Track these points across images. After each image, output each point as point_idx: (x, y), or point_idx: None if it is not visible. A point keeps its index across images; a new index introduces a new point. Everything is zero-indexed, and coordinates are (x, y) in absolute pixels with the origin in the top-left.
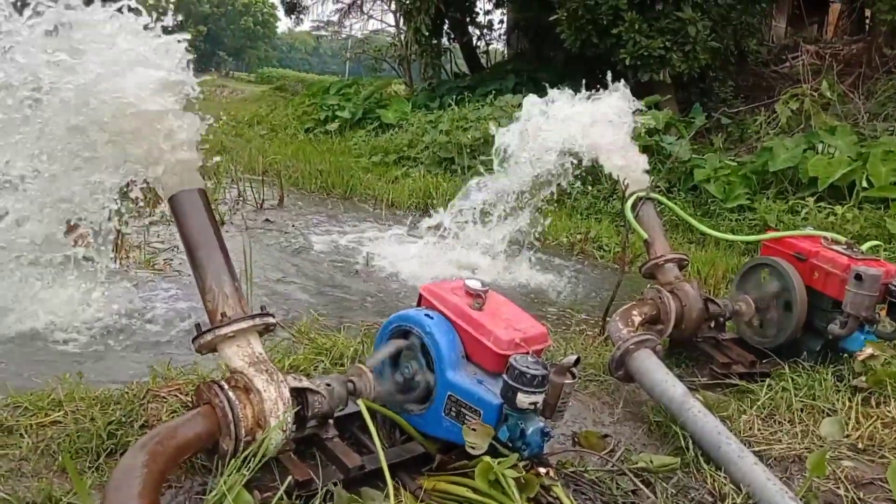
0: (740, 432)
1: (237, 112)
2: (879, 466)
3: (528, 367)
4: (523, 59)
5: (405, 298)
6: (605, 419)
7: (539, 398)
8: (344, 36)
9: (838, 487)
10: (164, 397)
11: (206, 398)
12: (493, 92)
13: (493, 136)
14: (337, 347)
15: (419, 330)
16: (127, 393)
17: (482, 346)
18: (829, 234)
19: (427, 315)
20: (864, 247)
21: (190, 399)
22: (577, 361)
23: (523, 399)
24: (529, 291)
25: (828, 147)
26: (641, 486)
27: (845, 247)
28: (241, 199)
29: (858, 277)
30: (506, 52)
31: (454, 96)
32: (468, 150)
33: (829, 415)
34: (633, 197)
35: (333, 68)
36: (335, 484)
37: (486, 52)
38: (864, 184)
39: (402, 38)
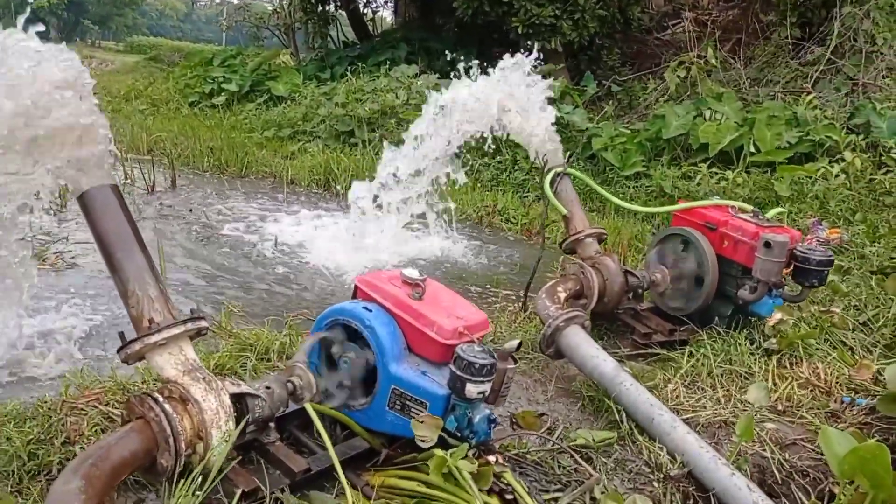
0: (668, 401)
1: (110, 85)
2: (800, 427)
3: (475, 356)
4: (413, 26)
5: (320, 282)
6: (538, 397)
7: (487, 387)
8: (219, 1)
9: (764, 450)
10: (82, 409)
11: (139, 412)
12: (388, 62)
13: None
14: (262, 342)
15: (358, 323)
16: (41, 407)
17: (425, 336)
18: (735, 203)
19: (365, 307)
20: (769, 214)
21: (111, 409)
22: (520, 346)
23: (472, 389)
24: (446, 269)
25: (715, 113)
26: (583, 462)
27: (752, 215)
28: (128, 181)
29: (767, 245)
30: (392, 19)
31: (346, 66)
32: (367, 123)
33: (747, 379)
34: (552, 172)
35: (209, 36)
36: (282, 490)
37: (373, 20)
38: (752, 149)
39: (286, 4)
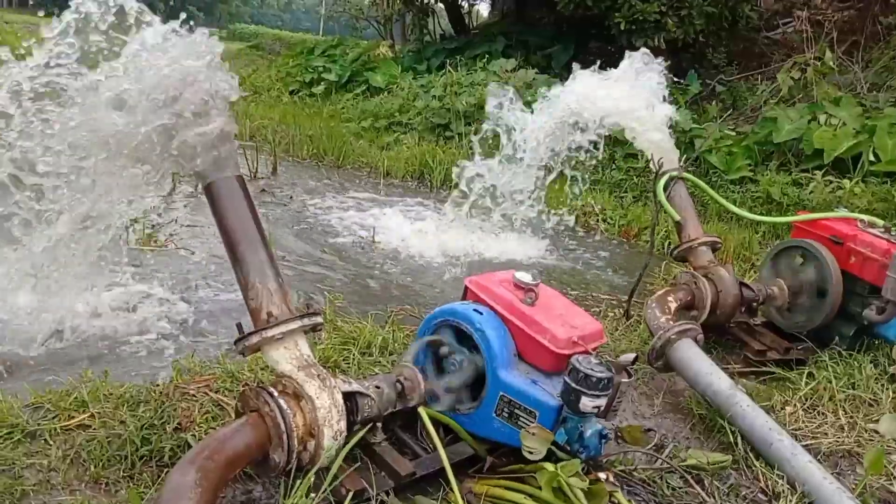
0: (786, 425)
1: None
2: None
3: (592, 369)
4: (510, 20)
5: (418, 278)
6: (645, 411)
7: (603, 401)
8: None
9: (891, 484)
10: (192, 395)
11: (254, 406)
12: (485, 56)
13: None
14: (364, 336)
15: (468, 326)
16: (153, 391)
17: (537, 344)
18: (865, 217)
19: (476, 310)
20: None
21: (221, 396)
22: (636, 359)
23: (587, 403)
24: (543, 269)
25: (830, 118)
26: (695, 485)
27: (883, 230)
28: None
29: None
30: (488, 13)
31: (443, 59)
32: (463, 117)
33: (872, 406)
34: (666, 176)
35: (307, 25)
36: (387, 493)
37: (469, 13)
38: (871, 157)
39: None
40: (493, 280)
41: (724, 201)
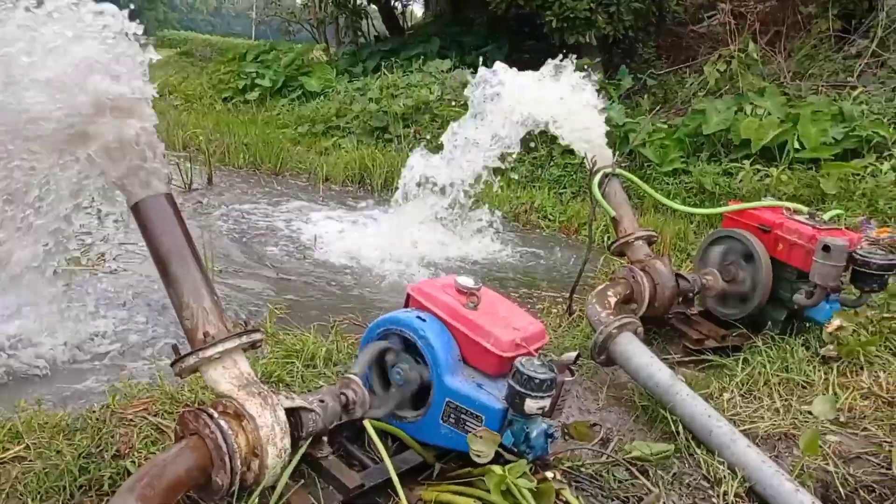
0: (724, 411)
1: None
2: (863, 440)
3: (535, 371)
4: (444, 21)
5: (361, 285)
6: (590, 406)
7: (547, 402)
8: None
9: (827, 464)
10: (131, 419)
11: (194, 428)
12: (420, 57)
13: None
14: (307, 348)
15: (412, 333)
16: (90, 417)
17: (481, 348)
18: (790, 205)
19: (419, 317)
20: (827, 216)
21: (160, 419)
22: (578, 357)
23: (531, 404)
24: (487, 269)
25: (755, 109)
26: (640, 476)
27: (808, 217)
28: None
29: (826, 248)
30: (422, 14)
31: (378, 61)
32: (401, 118)
33: (805, 388)
34: (600, 173)
35: (238, 30)
36: None
37: (403, 14)
38: (796, 145)
39: None
40: (434, 286)
41: (657, 195)
